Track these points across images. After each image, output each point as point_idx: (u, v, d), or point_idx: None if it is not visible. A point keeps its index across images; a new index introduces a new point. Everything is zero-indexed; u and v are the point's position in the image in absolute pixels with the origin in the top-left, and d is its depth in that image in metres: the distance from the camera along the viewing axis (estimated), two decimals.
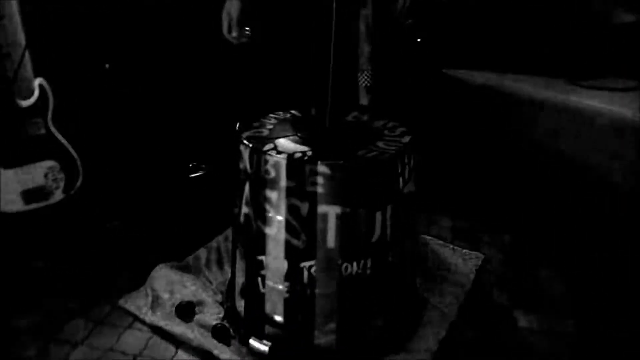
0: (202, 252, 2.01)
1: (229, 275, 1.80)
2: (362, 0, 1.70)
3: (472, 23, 2.28)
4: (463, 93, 2.32)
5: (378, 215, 1.42)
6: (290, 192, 1.39)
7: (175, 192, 2.39)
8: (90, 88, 2.14)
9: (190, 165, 2.52)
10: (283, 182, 1.39)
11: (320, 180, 1.36)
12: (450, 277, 1.91)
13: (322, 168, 1.35)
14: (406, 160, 1.46)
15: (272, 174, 1.40)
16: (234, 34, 1.71)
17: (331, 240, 1.41)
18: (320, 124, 1.52)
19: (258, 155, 1.41)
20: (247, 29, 1.74)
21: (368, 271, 1.46)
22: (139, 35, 2.16)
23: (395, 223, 1.46)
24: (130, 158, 2.29)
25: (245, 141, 1.46)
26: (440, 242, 2.12)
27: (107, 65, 2.05)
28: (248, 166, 1.45)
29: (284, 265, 1.46)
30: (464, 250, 2.08)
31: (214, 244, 2.07)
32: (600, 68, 2.22)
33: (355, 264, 1.44)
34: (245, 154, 1.45)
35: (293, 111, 1.69)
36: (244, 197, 1.49)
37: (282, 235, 1.43)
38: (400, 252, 1.52)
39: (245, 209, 1.50)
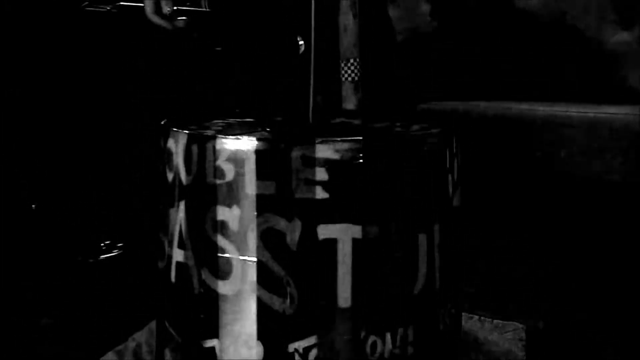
0: (109, 358, 1.29)
1: None
2: None
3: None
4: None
5: (422, 240, 0.80)
6: (265, 205, 0.75)
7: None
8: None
9: (102, 244, 1.98)
10: (251, 188, 0.75)
11: (321, 175, 0.74)
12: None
13: (324, 151, 0.73)
14: (454, 150, 0.88)
15: (230, 174, 0.76)
16: (166, 9, 1.12)
17: (345, 294, 0.76)
18: (299, 122, 0.94)
19: (202, 144, 0.78)
20: (183, 17, 1.17)
21: (410, 350, 0.81)
22: None
23: (446, 257, 0.85)
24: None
25: (177, 130, 0.83)
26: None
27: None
28: (183, 170, 0.81)
29: (255, 352, 0.78)
30: (494, 321, 1.52)
31: (130, 343, 1.34)
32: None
33: (389, 336, 0.79)
34: (178, 149, 0.81)
35: (249, 119, 1.09)
36: (176, 232, 0.83)
37: (252, 292, 0.77)
38: (455, 313, 0.88)
39: (178, 255, 0.83)
